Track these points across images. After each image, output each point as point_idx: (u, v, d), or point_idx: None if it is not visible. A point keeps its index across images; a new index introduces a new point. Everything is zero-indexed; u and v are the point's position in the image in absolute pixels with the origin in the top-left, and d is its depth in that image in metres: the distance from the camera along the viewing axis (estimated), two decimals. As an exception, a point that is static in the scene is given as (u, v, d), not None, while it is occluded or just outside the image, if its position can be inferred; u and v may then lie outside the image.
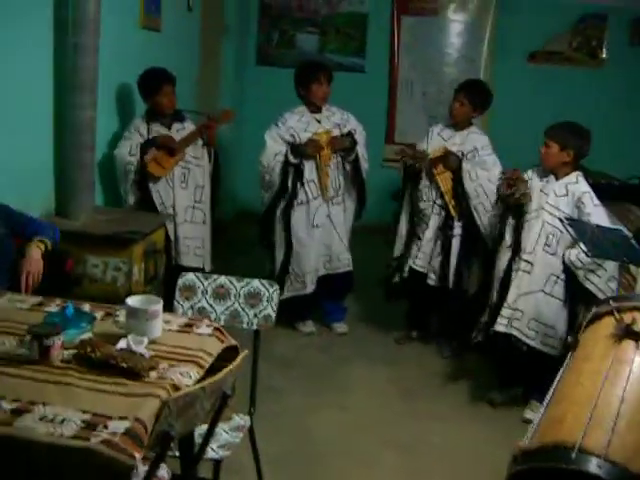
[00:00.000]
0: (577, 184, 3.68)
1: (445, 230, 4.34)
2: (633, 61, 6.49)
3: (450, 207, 4.31)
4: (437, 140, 4.42)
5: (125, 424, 1.76)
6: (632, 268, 3.75)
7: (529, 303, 3.70)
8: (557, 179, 3.73)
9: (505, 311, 3.74)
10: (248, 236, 5.37)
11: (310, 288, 4.59)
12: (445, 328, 4.64)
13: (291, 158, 4.41)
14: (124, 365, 1.95)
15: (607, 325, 2.20)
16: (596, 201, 3.64)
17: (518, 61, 6.73)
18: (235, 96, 6.65)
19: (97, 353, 2.00)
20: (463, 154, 4.27)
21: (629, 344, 2.09)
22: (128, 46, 4.46)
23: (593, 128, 3.78)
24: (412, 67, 7.02)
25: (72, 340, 2.12)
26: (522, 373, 3.91)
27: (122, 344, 2.09)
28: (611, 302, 2.24)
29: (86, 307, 2.44)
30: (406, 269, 4.50)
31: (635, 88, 6.45)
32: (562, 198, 3.68)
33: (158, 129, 4.27)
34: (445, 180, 4.30)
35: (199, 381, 2.00)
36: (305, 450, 3.45)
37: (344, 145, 4.47)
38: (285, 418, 3.66)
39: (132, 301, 2.21)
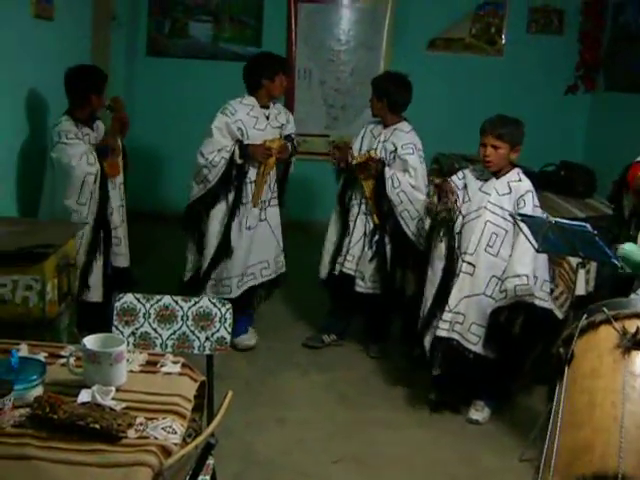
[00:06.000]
0: (520, 182, 3.57)
1: (372, 237, 4.20)
2: (530, 49, 6.54)
3: (373, 215, 4.18)
4: (369, 137, 4.29)
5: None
6: (570, 260, 3.71)
7: (471, 306, 3.55)
8: (497, 177, 3.60)
9: (447, 315, 3.58)
10: (143, 238, 4.99)
11: (235, 293, 4.28)
12: (373, 329, 4.49)
13: (237, 158, 4.10)
14: (96, 426, 1.59)
15: (607, 335, 2.07)
16: (536, 202, 3.55)
17: (418, 49, 6.63)
18: (125, 88, 6.21)
19: (59, 413, 1.62)
20: (385, 155, 4.15)
21: (639, 355, 1.97)
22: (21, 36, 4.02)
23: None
24: (310, 56, 6.83)
25: (22, 397, 1.73)
26: (462, 374, 3.74)
27: (84, 396, 1.72)
28: (605, 310, 2.11)
29: (24, 349, 2.03)
30: (337, 267, 4.30)
31: (534, 75, 6.52)
32: (505, 196, 3.55)
33: (87, 131, 3.98)
34: (368, 187, 4.17)
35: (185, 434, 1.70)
36: (254, 473, 3.21)
37: (289, 154, 4.28)
38: (225, 439, 3.36)
39: (90, 342, 1.85)
